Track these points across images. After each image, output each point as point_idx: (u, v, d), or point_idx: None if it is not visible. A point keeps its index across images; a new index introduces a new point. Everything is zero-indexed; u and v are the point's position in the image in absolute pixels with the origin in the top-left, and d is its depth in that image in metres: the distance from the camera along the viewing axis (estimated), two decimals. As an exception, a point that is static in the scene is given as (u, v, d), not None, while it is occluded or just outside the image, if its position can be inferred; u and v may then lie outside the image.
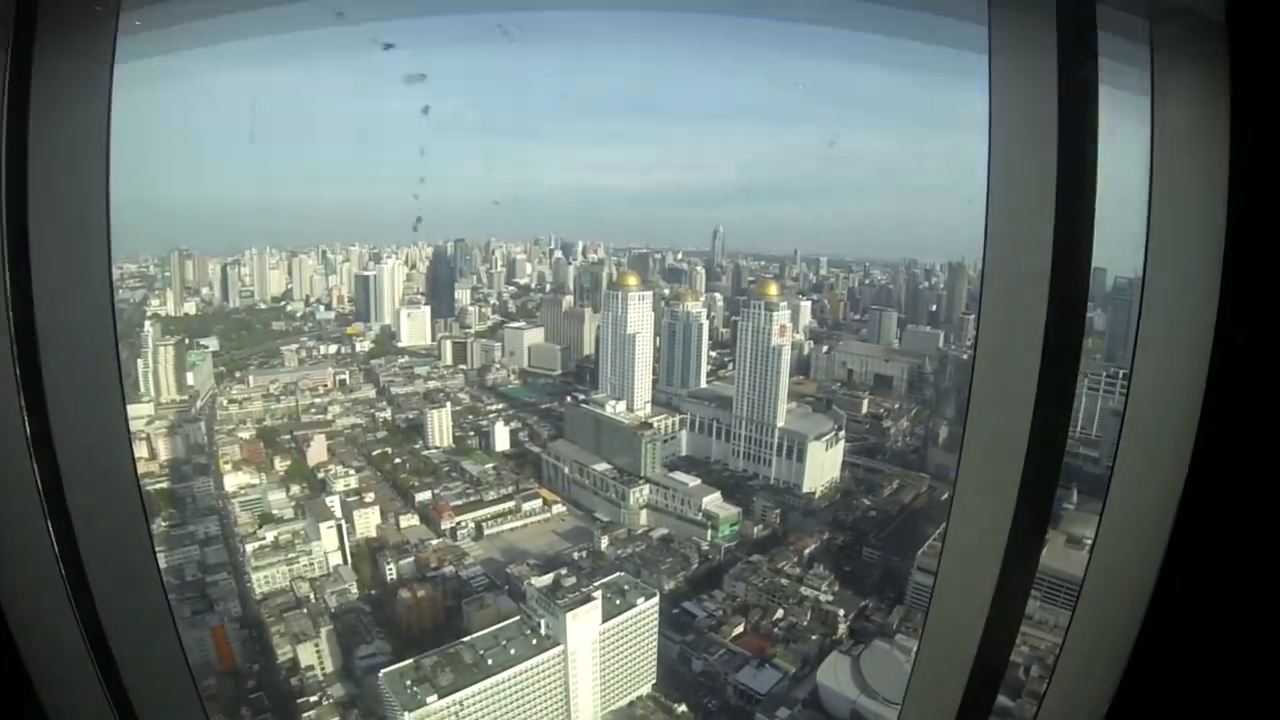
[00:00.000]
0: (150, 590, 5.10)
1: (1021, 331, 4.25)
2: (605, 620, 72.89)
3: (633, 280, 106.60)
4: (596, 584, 75.86)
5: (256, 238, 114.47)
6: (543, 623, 71.59)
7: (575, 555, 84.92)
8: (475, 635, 72.02)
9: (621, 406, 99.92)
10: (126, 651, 4.82)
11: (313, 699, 72.79)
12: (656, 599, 76.88)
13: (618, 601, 75.13)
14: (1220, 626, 3.91)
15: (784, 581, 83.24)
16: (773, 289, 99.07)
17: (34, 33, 4.23)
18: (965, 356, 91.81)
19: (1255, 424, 3.72)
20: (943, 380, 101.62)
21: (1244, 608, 3.84)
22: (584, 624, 71.46)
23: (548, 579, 75.52)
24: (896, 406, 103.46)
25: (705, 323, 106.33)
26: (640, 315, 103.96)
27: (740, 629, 79.63)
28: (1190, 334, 3.85)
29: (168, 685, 5.22)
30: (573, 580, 75.52)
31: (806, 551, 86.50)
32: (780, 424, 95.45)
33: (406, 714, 64.78)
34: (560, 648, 70.62)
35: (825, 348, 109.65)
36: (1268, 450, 3.71)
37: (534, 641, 71.02)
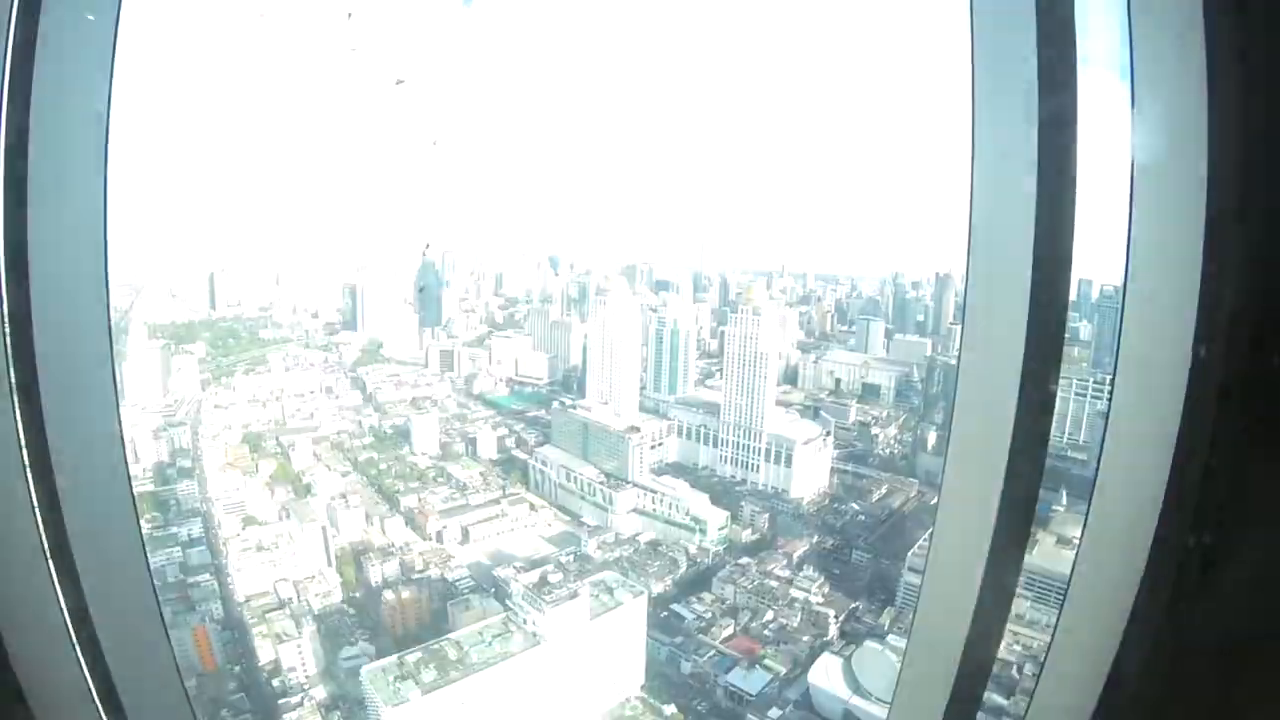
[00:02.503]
0: (142, 596, 5.01)
1: (1004, 338, 4.38)
2: (593, 618, 72.07)
3: (620, 286, 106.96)
4: (583, 581, 75.14)
5: (244, 247, 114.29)
6: (528, 620, 70.70)
7: (562, 559, 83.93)
8: (459, 632, 71.15)
9: (609, 411, 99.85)
10: (117, 655, 4.80)
11: (294, 699, 71.90)
12: (645, 597, 76.24)
13: (605, 599, 74.35)
14: (1202, 630, 4.03)
15: (773, 584, 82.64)
16: (760, 294, 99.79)
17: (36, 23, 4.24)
18: (953, 363, 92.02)
19: (1234, 430, 3.80)
20: (930, 387, 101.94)
21: (1226, 613, 3.95)
22: (570, 621, 70.60)
23: (534, 575, 74.76)
24: (884, 414, 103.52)
25: (693, 328, 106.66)
26: (628, 321, 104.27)
27: (730, 631, 78.91)
28: (1172, 340, 3.91)
29: (158, 688, 5.17)
30: (559, 577, 74.80)
31: (795, 555, 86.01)
32: (768, 429, 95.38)
33: (389, 710, 63.75)
34: (546, 645, 69.68)
35: (813, 357, 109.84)
36: (1247, 455, 3.81)
37: (519, 639, 70.13)
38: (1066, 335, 4.41)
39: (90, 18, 4.46)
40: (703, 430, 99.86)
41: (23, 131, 4.23)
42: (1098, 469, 4.35)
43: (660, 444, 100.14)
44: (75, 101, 4.45)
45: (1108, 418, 4.33)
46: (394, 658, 68.55)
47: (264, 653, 75.05)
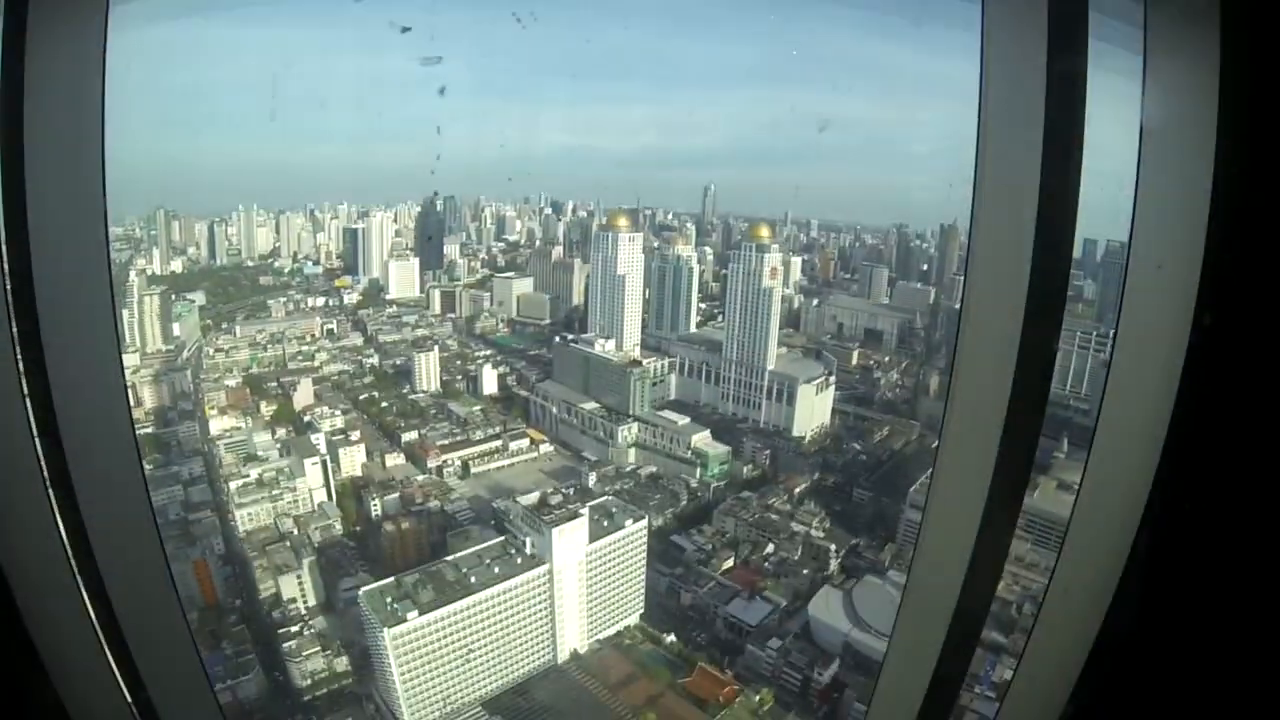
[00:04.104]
0: (148, 545, 5.19)
1: (1007, 290, 4.48)
2: (593, 540, 71.85)
3: (623, 221, 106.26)
4: (584, 504, 74.99)
5: (243, 197, 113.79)
6: (528, 541, 70.52)
7: (563, 491, 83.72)
8: (459, 554, 71.03)
9: (610, 345, 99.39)
10: (120, 590, 4.93)
11: (294, 629, 72.04)
12: (645, 521, 75.96)
13: (605, 523, 74.11)
14: (1186, 608, 4.18)
15: (774, 518, 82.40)
16: (764, 231, 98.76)
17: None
18: (955, 309, 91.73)
19: (1230, 407, 3.95)
20: (933, 334, 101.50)
21: (1212, 592, 4.09)
22: (570, 542, 70.39)
23: (534, 497, 74.58)
24: (886, 359, 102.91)
25: (695, 266, 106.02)
26: (630, 256, 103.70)
27: (730, 563, 78.70)
28: (1171, 316, 4.03)
29: (167, 638, 5.37)
30: (559, 499, 74.68)
31: (796, 490, 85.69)
32: (770, 367, 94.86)
33: (386, 630, 63.69)
34: (545, 566, 69.52)
35: (815, 301, 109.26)
36: (1240, 434, 3.94)
37: (519, 560, 69.98)
38: (1070, 292, 4.49)
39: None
40: (704, 367, 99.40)
41: (18, 90, 4.24)
42: (1094, 432, 4.50)
43: (662, 380, 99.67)
44: (72, 58, 4.44)
45: (1107, 379, 4.47)
46: (391, 579, 68.35)
47: (264, 584, 75.10)
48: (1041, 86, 4.18)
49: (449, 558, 70.92)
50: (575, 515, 71.35)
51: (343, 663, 71.01)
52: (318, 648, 71.03)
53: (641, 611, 75.68)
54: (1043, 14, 4.14)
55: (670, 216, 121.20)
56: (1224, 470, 4.00)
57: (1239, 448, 3.93)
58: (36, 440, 4.48)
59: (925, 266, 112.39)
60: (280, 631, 72.17)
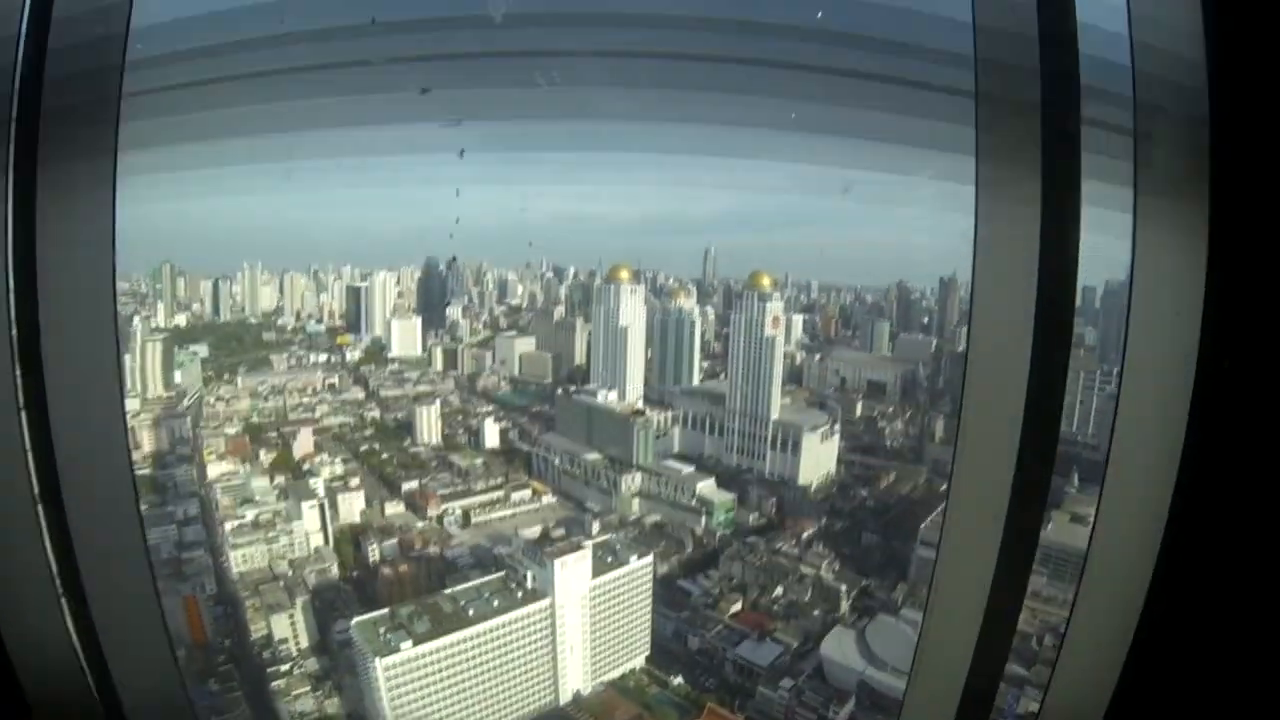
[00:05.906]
0: (140, 584, 5.23)
1: (1011, 332, 4.52)
2: (596, 576, 69.82)
3: (625, 274, 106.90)
4: (587, 540, 73.26)
5: (247, 257, 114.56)
6: (529, 575, 68.50)
7: (567, 528, 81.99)
8: (457, 588, 69.02)
9: (613, 396, 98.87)
10: (109, 630, 4.94)
11: (284, 669, 69.65)
12: (650, 559, 73.96)
13: (609, 559, 72.13)
14: (1213, 621, 4.23)
15: (782, 562, 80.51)
16: (765, 280, 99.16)
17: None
18: (959, 352, 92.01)
19: (1237, 437, 4.02)
20: (936, 382, 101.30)
21: (1235, 606, 4.17)
22: (573, 576, 68.37)
23: (536, 530, 72.86)
24: (890, 409, 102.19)
25: (697, 319, 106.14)
26: (633, 308, 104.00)
27: (739, 606, 76.48)
28: (1178, 337, 4.10)
29: (150, 659, 5.35)
30: (561, 532, 72.97)
31: (804, 535, 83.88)
32: (774, 416, 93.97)
33: (378, 660, 61.40)
34: (547, 600, 67.36)
35: (818, 357, 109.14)
36: (1250, 463, 4.03)
37: (519, 594, 67.86)
38: (1075, 331, 4.62)
39: (99, 28, 4.50)
40: (708, 419, 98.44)
41: (32, 145, 4.32)
42: (1107, 462, 4.51)
43: (665, 434, 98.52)
44: (84, 117, 4.53)
45: (1116, 410, 4.48)
46: (385, 610, 66.27)
47: (256, 623, 72.97)
48: (1036, 101, 4.20)
49: (446, 590, 68.88)
50: (578, 547, 69.57)
51: (334, 703, 68.31)
52: (308, 687, 68.50)
53: (648, 654, 73.02)
54: (1034, 24, 4.16)
55: (671, 280, 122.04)
56: (1244, 485, 3.96)
57: (1256, 461, 3.91)
58: (33, 473, 4.43)
59: (926, 320, 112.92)
60: (270, 670, 69.66)
